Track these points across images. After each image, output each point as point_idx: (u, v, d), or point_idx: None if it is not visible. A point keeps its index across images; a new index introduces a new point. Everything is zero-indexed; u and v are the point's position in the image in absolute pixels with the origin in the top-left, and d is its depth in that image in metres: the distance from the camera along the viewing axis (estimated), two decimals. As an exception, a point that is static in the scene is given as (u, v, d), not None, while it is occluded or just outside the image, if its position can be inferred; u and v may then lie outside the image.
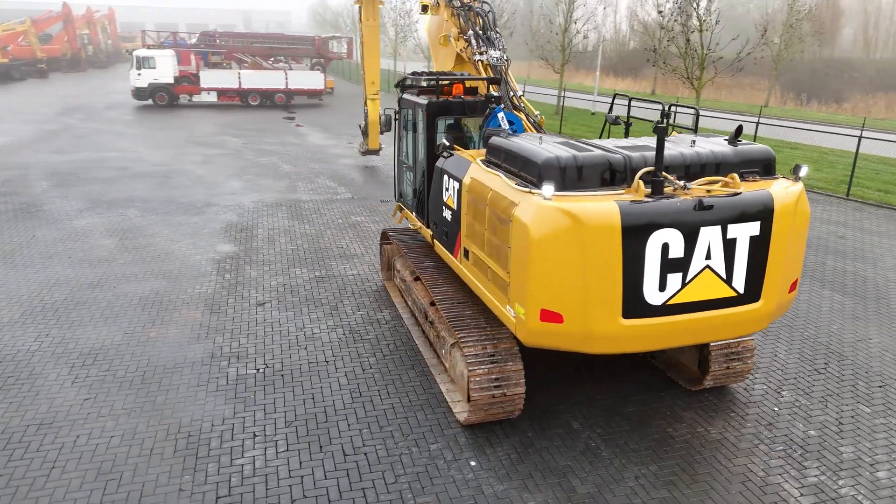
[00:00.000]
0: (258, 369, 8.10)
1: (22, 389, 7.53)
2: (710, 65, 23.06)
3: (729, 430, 6.98)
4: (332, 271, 11.50)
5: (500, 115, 8.84)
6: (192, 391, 7.57)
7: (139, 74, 34.17)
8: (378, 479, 6.14)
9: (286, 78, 35.99)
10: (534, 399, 7.42)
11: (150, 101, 35.02)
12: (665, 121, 7.35)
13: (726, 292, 6.27)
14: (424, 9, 12.77)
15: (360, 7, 19.76)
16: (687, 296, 6.12)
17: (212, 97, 35.48)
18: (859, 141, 18.22)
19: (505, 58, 10.72)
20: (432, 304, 8.59)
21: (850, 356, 8.65)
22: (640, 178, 6.04)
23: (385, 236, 11.11)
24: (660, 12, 23.61)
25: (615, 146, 6.74)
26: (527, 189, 6.19)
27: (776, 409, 7.41)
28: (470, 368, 6.79)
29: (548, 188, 5.83)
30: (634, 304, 6.00)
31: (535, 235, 5.85)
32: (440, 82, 9.60)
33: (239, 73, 35.42)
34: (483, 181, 7.08)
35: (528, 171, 6.48)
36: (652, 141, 6.90)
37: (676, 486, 6.11)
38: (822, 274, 11.76)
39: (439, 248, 8.78)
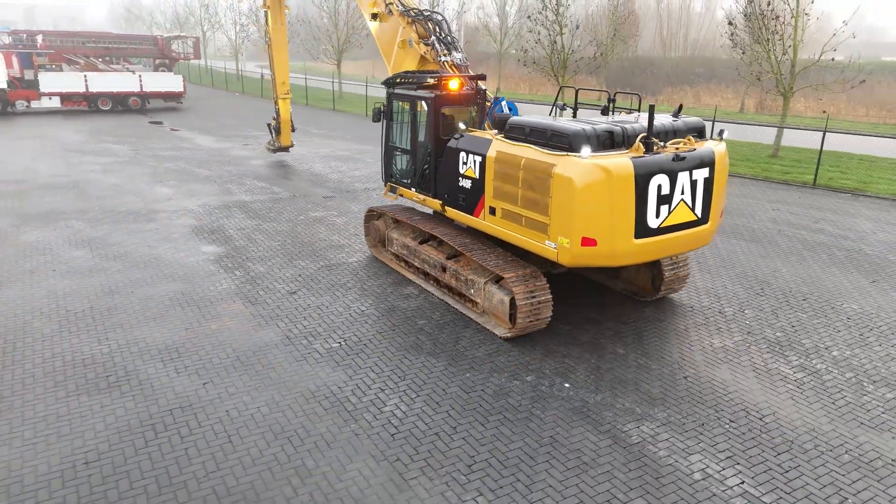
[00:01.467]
0: (339, 343, 9.01)
1: (132, 384, 7.79)
2: (571, 64, 26.52)
3: (723, 339, 9.35)
4: (333, 260, 12.35)
5: (503, 102, 10.90)
6: (297, 365, 8.34)
7: (-34, 81, 30.36)
8: (505, 407, 7.56)
9: (141, 80, 33.95)
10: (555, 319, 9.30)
11: (-23, 109, 31.24)
12: (612, 105, 10.35)
13: (692, 217, 8.87)
14: (374, 16, 14.17)
15: (266, 12, 20.53)
16: (671, 220, 8.62)
17: (54, 102, 32.41)
18: (712, 125, 22.37)
19: (465, 57, 12.70)
20: (449, 257, 10.41)
21: (773, 283, 11.57)
22: (640, 142, 8.33)
23: (374, 214, 12.57)
24: (529, 17, 26.62)
25: (607, 121, 8.98)
26: (562, 153, 8.21)
27: (747, 321, 9.97)
28: (518, 294, 8.82)
29: (585, 150, 7.95)
30: (642, 228, 8.36)
31: (578, 184, 7.99)
32: (442, 80, 11.07)
33: (85, 76, 32.73)
34: (512, 152, 8.99)
35: (557, 141, 8.46)
36: (617, 116, 9.65)
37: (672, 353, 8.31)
38: (725, 228, 14.95)
39: (453, 212, 10.51)
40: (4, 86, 31.14)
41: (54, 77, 32.62)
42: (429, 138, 11.03)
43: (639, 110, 10.27)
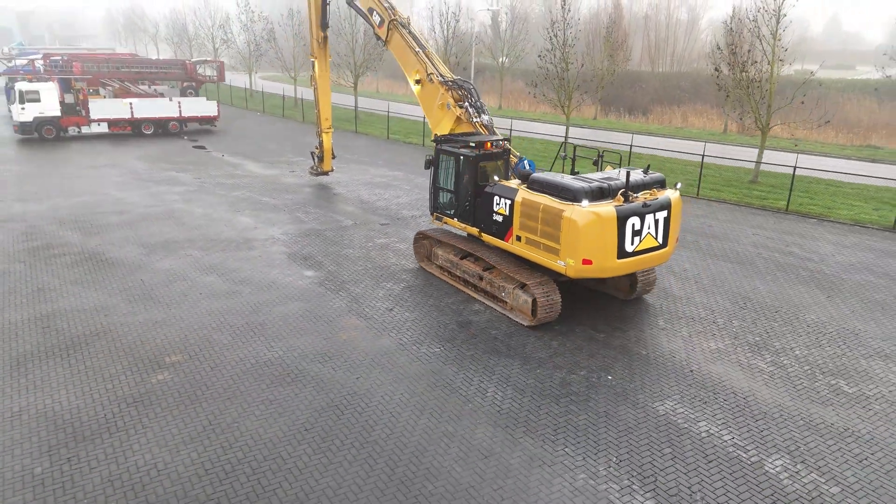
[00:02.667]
0: (438, 348, 12.37)
1: (307, 379, 11.10)
2: (574, 91, 30.16)
3: (717, 342, 12.82)
4: (410, 283, 15.68)
5: (525, 161, 15.07)
6: (415, 364, 11.67)
7: (23, 109, 33.20)
8: (569, 392, 10.95)
9: (180, 106, 37.03)
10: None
11: (34, 135, 34.09)
12: (601, 160, 14.74)
13: (656, 244, 12.88)
14: (417, 82, 17.96)
15: (314, 61, 24.30)
16: (642, 246, 12.62)
17: (102, 128, 35.45)
18: (703, 152, 25.99)
19: (491, 119, 16.74)
20: (486, 269, 14.59)
21: (753, 298, 15.08)
22: (622, 195, 12.29)
23: (422, 237, 16.74)
24: (539, 56, 30.20)
25: (598, 178, 12.97)
26: (569, 203, 12.24)
27: (734, 329, 13.44)
28: (538, 296, 12.85)
29: (585, 201, 12.03)
30: (622, 252, 12.36)
31: (580, 224, 12.05)
32: (480, 143, 15.26)
33: (131, 104, 35.76)
34: (533, 199, 13.09)
35: (566, 194, 12.48)
36: (605, 173, 13.72)
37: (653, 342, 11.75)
38: (710, 250, 18.46)
39: (488, 238, 14.65)
40: (58, 113, 34.08)
41: (102, 104, 35.65)
42: (470, 184, 15.10)
43: (619, 164, 14.61)
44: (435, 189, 16.53)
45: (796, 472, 8.92)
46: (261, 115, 48.08)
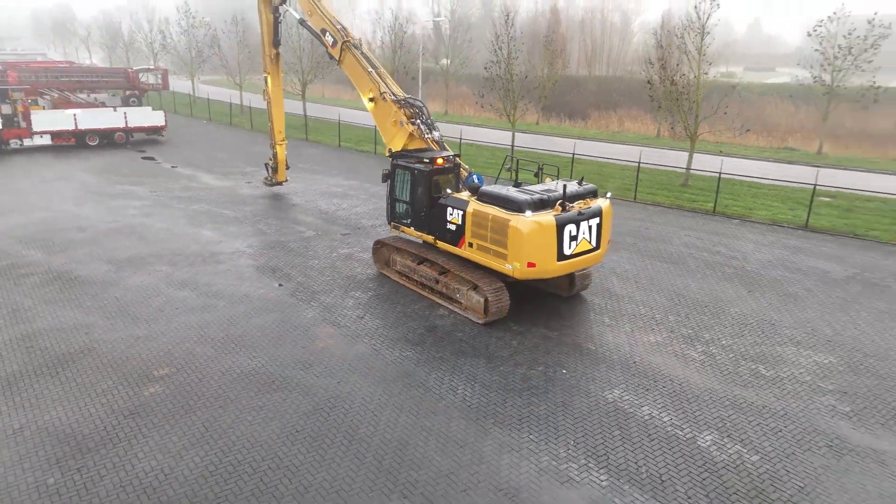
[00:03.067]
0: (411, 352, 13.52)
1: (292, 385, 12.08)
2: (519, 101, 31.79)
3: (655, 336, 14.44)
4: (377, 291, 16.76)
5: (474, 175, 16.47)
6: (391, 367, 12.79)
7: (-38, 121, 32.43)
8: (530, 387, 12.31)
9: (125, 116, 36.70)
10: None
11: (-29, 148, 33.31)
12: (541, 172, 16.27)
13: (590, 247, 14.57)
14: (371, 100, 19.12)
15: (267, 77, 25.12)
16: (578, 249, 14.32)
17: (45, 140, 34.84)
18: (640, 159, 27.93)
19: (441, 135, 18.08)
20: (441, 272, 15.96)
21: (686, 295, 16.85)
22: (560, 205, 13.93)
23: (380, 244, 18.09)
24: (485, 68, 31.63)
25: (539, 190, 14.56)
26: (514, 213, 13.82)
27: (669, 324, 15.11)
28: (489, 295, 14.37)
29: (528, 212, 13.63)
30: (561, 255, 14.02)
31: (524, 232, 13.58)
32: (432, 158, 16.61)
33: (75, 115, 35.23)
34: (483, 210, 14.59)
35: (511, 206, 14.03)
36: (545, 185, 15.28)
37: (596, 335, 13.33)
38: (647, 251, 20.23)
39: (443, 244, 16.08)
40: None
41: (44, 115, 35.01)
42: (424, 196, 16.49)
43: (557, 176, 16.34)
44: (392, 200, 17.84)
45: (723, 445, 10.52)
46: (207, 123, 47.85)
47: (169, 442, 10.38)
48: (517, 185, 15.62)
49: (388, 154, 18.33)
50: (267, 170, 27.28)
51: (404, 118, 18.28)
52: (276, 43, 25.16)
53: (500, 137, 39.72)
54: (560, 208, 14.06)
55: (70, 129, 35.16)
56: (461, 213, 15.20)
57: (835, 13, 34.28)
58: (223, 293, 16.35)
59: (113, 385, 12.00)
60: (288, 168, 27.22)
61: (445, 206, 15.75)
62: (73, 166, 31.62)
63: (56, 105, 40.32)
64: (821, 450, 10.46)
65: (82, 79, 42.00)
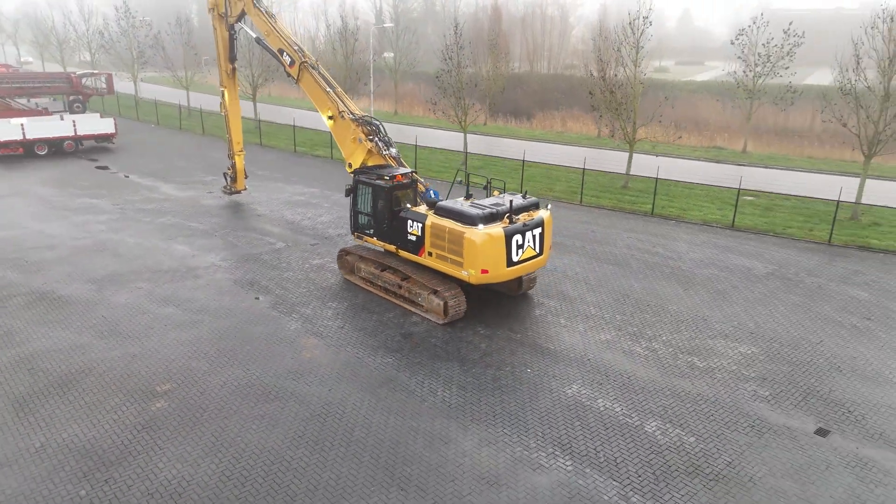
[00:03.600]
0: (392, 358, 14.97)
1: (287, 395, 13.36)
2: (469, 108, 33.40)
3: (605, 335, 16.34)
4: (353, 301, 18.08)
5: (432, 191, 18.07)
6: (376, 372, 14.23)
7: None
8: (500, 386, 13.98)
9: (74, 124, 36.34)
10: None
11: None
12: (489, 186, 18.16)
13: (534, 253, 16.52)
14: (331, 118, 20.42)
15: (224, 90, 25.92)
16: (524, 256, 16.25)
17: (-9, 150, 34.31)
18: (584, 164, 29.96)
19: (398, 152, 19.67)
20: (404, 279, 17.58)
21: (630, 294, 18.87)
22: (507, 217, 15.81)
23: (345, 253, 19.60)
24: (437, 77, 33.04)
25: (490, 204, 16.42)
26: (468, 226, 15.62)
27: (617, 322, 17.05)
28: (448, 299, 16.11)
29: (480, 225, 15.47)
30: (510, 262, 15.90)
31: (477, 243, 15.41)
32: (392, 175, 18.20)
33: (22, 124, 34.72)
34: (440, 223, 16.34)
35: (466, 219, 15.82)
36: (494, 199, 17.14)
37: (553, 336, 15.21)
38: (594, 254, 22.21)
39: (404, 253, 17.78)
40: (-59, 136, 32.69)
41: (-10, 125, 34.41)
42: (386, 209, 18.08)
43: (504, 189, 18.21)
44: (355, 213, 19.35)
45: (665, 430, 12.46)
46: (155, 127, 47.52)
47: (184, 452, 11.56)
48: (468, 196, 17.53)
49: (348, 169, 19.85)
50: (226, 179, 28.14)
51: (363, 135, 19.79)
52: (231, 58, 25.99)
53: (452, 139, 41.20)
54: (508, 221, 15.98)
55: (18, 139, 34.68)
56: (420, 225, 16.94)
57: (754, 22, 37.24)
58: (207, 308, 17.35)
59: (120, 402, 13.01)
60: (246, 177, 28.14)
61: (406, 219, 17.45)
62: (27, 179, 31.40)
63: (-4, 112, 39.45)
64: (745, 430, 12.53)
65: (24, 84, 41.03)
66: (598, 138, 45.25)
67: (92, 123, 37.34)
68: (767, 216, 26.53)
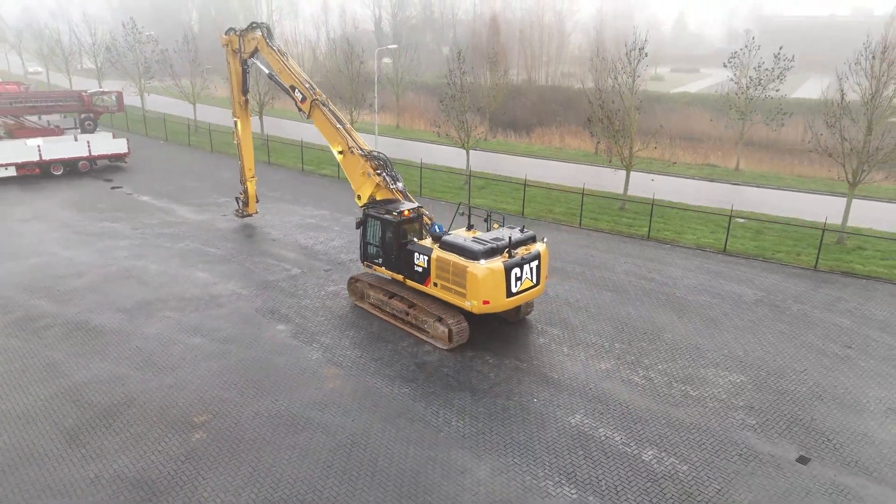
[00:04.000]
0: (408, 389, 16.19)
1: (315, 425, 14.58)
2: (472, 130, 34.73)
3: (605, 364, 17.58)
4: (368, 329, 19.29)
5: (437, 226, 19.35)
6: (395, 402, 15.44)
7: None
8: (511, 415, 15.22)
9: (89, 145, 37.46)
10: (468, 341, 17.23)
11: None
12: (489, 219, 19.36)
13: (531, 284, 17.84)
14: (341, 152, 21.63)
15: (237, 121, 27.17)
16: (522, 287, 17.62)
17: (10, 171, 35.36)
18: (583, 189, 31.21)
19: (405, 186, 20.95)
20: (410, 306, 18.93)
21: (628, 323, 20.12)
22: (507, 252, 17.14)
23: (355, 280, 21.00)
24: (441, 101, 34.28)
25: (490, 238, 17.72)
26: (471, 261, 16.92)
27: (616, 352, 18.30)
28: (452, 326, 17.44)
29: (482, 261, 16.83)
30: (509, 293, 17.22)
31: (479, 276, 16.75)
32: (400, 210, 19.58)
33: (39, 146, 35.82)
34: (445, 257, 17.68)
35: (469, 254, 17.12)
36: (495, 232, 18.45)
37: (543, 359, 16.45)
38: (594, 280, 23.47)
39: (411, 283, 19.12)
40: (-39, 158, 33.75)
41: (8, 146, 35.42)
42: (394, 242, 19.43)
43: (503, 223, 19.46)
44: (364, 243, 20.69)
45: (661, 458, 13.72)
46: (164, 144, 48.62)
47: (225, 482, 12.77)
48: (470, 227, 19.24)
49: (358, 201, 21.48)
50: (237, 203, 29.50)
51: (371, 170, 21.10)
52: (244, 91, 27.27)
53: (454, 156, 42.21)
54: (507, 255, 17.34)
55: (35, 160, 35.79)
56: (427, 258, 18.33)
57: (746, 46, 38.62)
58: (232, 338, 18.55)
59: (162, 433, 14.21)
60: (258, 201, 29.45)
61: (413, 252, 18.78)
62: (46, 202, 32.52)
63: (10, 131, 40.48)
64: (733, 458, 13.80)
65: (37, 103, 42.05)
66: (594, 155, 46.45)
67: (106, 144, 38.44)
68: (758, 240, 27.83)
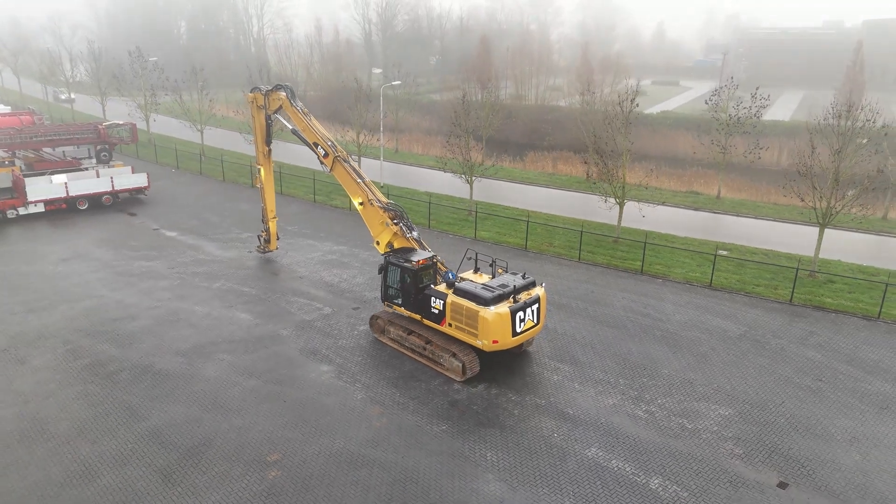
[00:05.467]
0: (444, 427, 18.75)
1: (377, 464, 17.07)
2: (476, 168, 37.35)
3: (612, 399, 20.28)
4: (402, 370, 21.79)
5: (450, 273, 22.16)
6: (437, 441, 17.99)
7: (-41, 193, 34.53)
8: (531, 447, 17.87)
9: (112, 180, 39.49)
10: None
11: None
12: (494, 264, 22.50)
13: (533, 324, 21.02)
14: (361, 203, 24.10)
15: (260, 168, 29.63)
16: (525, 327, 20.80)
17: (38, 207, 37.32)
18: (582, 228, 34.01)
19: (419, 234, 23.78)
20: (427, 342, 21.74)
21: (629, 359, 22.83)
22: (512, 297, 20.25)
23: (376, 318, 23.80)
24: (448, 140, 36.97)
25: (497, 285, 20.78)
26: (482, 307, 19.96)
27: (621, 387, 20.99)
28: (465, 360, 20.40)
29: (492, 306, 19.93)
30: (514, 332, 20.30)
31: (490, 320, 19.84)
32: (417, 260, 22.40)
33: (66, 183, 37.79)
34: (458, 302, 20.67)
35: (480, 300, 20.12)
36: (500, 278, 21.56)
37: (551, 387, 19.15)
38: (596, 317, 26.19)
39: (428, 322, 21.94)
40: (-5, 195, 35.64)
41: (38, 183, 37.32)
42: (412, 286, 22.32)
43: (506, 270, 22.44)
44: (385, 286, 23.51)
45: (665, 486, 16.46)
46: (175, 172, 50.64)
47: (306, 514, 15.25)
48: (476, 270, 22.53)
49: (376, 247, 24.38)
50: (259, 241, 32.18)
51: (389, 220, 23.77)
52: (268, 142, 29.64)
53: (455, 184, 44.46)
54: (512, 300, 20.32)
55: (62, 196, 37.78)
56: (442, 301, 21.32)
57: (725, 85, 41.83)
58: (284, 380, 20.98)
59: (243, 471, 16.65)
60: (278, 238, 31.92)
61: (430, 295, 21.82)
62: (80, 239, 34.56)
63: (30, 164, 42.32)
64: (725, 484, 16.59)
65: (54, 137, 43.98)
66: (586, 181, 49.38)
67: (127, 178, 40.48)
68: (739, 272, 30.81)
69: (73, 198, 38.35)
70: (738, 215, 41.24)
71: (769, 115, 42.34)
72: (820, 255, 30.58)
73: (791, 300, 27.82)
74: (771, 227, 39.17)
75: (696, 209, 42.68)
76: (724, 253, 32.77)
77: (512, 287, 20.76)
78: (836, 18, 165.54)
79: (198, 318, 25.29)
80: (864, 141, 28.16)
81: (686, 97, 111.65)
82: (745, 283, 29.73)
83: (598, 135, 33.59)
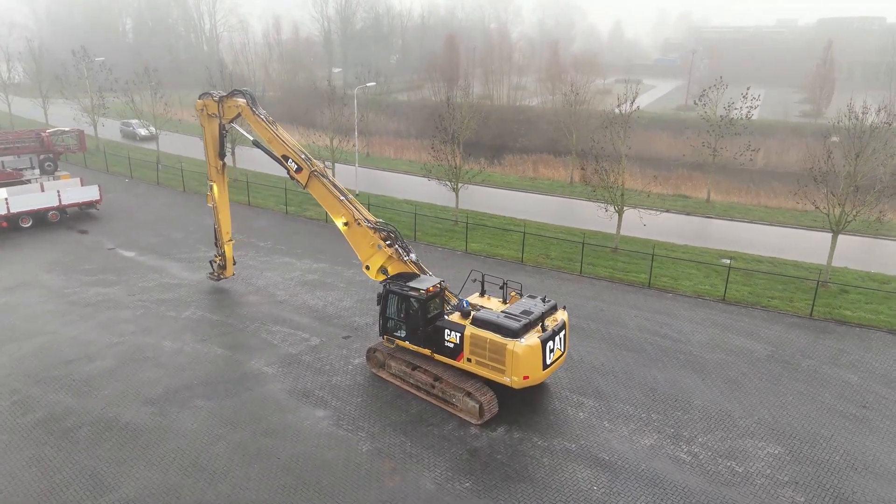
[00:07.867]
0: (468, 484, 16.30)
1: (393, 535, 14.50)
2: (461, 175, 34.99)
3: (649, 439, 18.17)
4: (408, 410, 19.24)
5: (464, 301, 19.77)
6: (465, 498, 15.54)
7: None
8: (556, 486, 15.62)
9: (59, 194, 35.56)
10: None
11: None
12: (505, 287, 20.06)
13: (560, 353, 18.73)
14: (346, 224, 21.16)
15: (213, 185, 26.13)
16: (554, 357, 18.41)
17: (-25, 225, 33.26)
18: (583, 241, 31.86)
19: (418, 257, 21.21)
20: (436, 379, 19.24)
21: (657, 389, 20.78)
22: (540, 326, 17.90)
23: (374, 350, 21.17)
24: (431, 151, 34.47)
25: (520, 312, 18.37)
26: (510, 339, 17.50)
27: (654, 423, 18.91)
28: (483, 400, 17.98)
29: (521, 339, 17.47)
30: (544, 365, 17.91)
31: (520, 354, 17.39)
32: (425, 287, 19.80)
33: (6, 199, 33.74)
34: (480, 334, 18.16)
35: (506, 332, 17.66)
36: (520, 304, 19.07)
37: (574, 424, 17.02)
38: (610, 339, 24.11)
39: (440, 357, 19.41)
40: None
41: (-27, 201, 33.28)
42: (420, 318, 19.67)
43: (521, 294, 20.12)
44: (384, 318, 20.68)
45: (732, 549, 14.38)
46: (129, 182, 46.56)
47: None
48: (483, 293, 20.44)
49: (366, 271, 21.36)
50: (212, 266, 28.16)
51: (381, 242, 20.95)
52: (221, 155, 25.89)
53: (435, 189, 41.82)
54: (541, 330, 18.12)
55: (2, 213, 33.73)
56: (459, 334, 18.66)
57: (714, 85, 40.48)
58: (276, 430, 18.17)
59: (238, 556, 13.85)
60: (235, 263, 28.28)
61: (442, 328, 19.14)
62: (25, 262, 30.72)
63: (-35, 176, 38.06)
64: (795, 543, 14.62)
65: (-8, 145, 39.76)
66: (570, 185, 47.58)
67: (76, 192, 36.52)
68: (750, 284, 29.19)
69: (14, 215, 34.25)
70: (731, 220, 39.95)
71: (736, 115, 41.68)
72: (827, 263, 29.26)
73: (811, 314, 26.27)
74: (766, 231, 37.92)
75: (687, 214, 41.20)
76: (729, 262, 31.19)
77: (539, 314, 18.48)
78: (790, 17, 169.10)
79: (167, 356, 22.14)
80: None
81: (651, 96, 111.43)
82: (759, 295, 28.11)
83: (594, 139, 31.56)
